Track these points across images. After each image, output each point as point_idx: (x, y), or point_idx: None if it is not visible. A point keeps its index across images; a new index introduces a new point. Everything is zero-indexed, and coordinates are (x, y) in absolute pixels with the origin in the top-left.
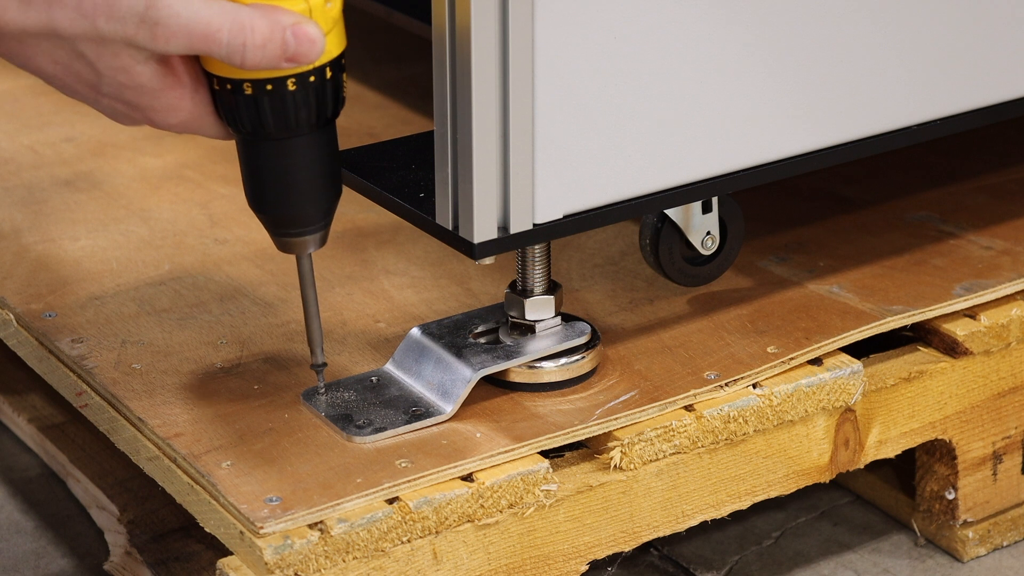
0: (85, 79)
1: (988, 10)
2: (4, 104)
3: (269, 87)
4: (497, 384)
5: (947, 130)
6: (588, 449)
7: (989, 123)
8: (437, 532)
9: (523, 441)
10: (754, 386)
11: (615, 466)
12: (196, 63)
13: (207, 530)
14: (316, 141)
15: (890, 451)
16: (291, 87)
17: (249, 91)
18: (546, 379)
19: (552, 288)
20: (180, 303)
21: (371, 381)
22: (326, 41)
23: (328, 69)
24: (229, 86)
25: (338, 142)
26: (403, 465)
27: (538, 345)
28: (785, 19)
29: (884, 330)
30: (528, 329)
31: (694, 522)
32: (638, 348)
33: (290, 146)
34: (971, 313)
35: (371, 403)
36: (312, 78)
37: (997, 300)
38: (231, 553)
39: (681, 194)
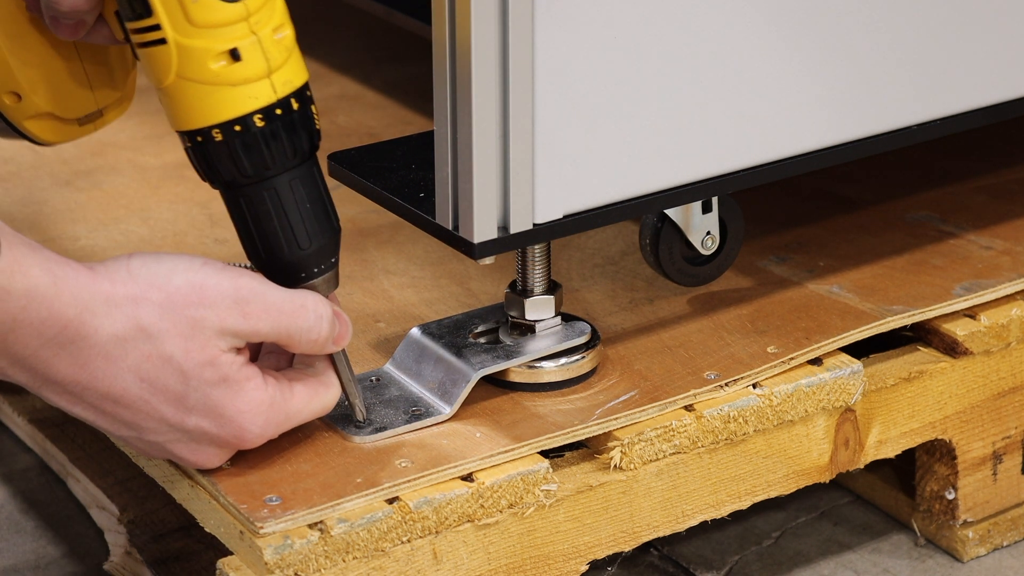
0: (172, 391)
1: (988, 10)
2: None
3: (237, 128)
4: (497, 384)
5: (947, 130)
6: (588, 449)
7: (989, 123)
8: (437, 532)
9: (523, 441)
10: (754, 386)
11: (615, 466)
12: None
13: (207, 530)
14: (298, 178)
15: (890, 451)
16: (259, 123)
17: (219, 137)
18: (546, 379)
19: (552, 288)
20: None
21: (371, 381)
22: (289, 74)
23: (293, 100)
24: (200, 138)
25: (323, 179)
26: (403, 465)
27: (538, 345)
28: (785, 20)
29: (884, 330)
30: (528, 329)
31: (694, 522)
32: (638, 348)
33: (272, 187)
34: (971, 313)
35: (371, 403)
36: (279, 111)
37: (997, 300)
38: (231, 553)
39: (681, 194)
